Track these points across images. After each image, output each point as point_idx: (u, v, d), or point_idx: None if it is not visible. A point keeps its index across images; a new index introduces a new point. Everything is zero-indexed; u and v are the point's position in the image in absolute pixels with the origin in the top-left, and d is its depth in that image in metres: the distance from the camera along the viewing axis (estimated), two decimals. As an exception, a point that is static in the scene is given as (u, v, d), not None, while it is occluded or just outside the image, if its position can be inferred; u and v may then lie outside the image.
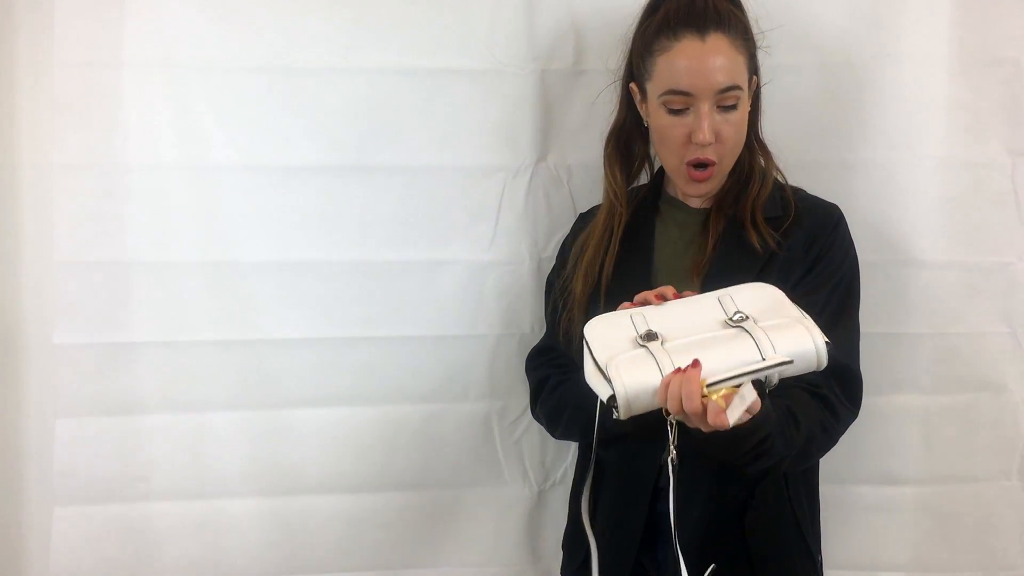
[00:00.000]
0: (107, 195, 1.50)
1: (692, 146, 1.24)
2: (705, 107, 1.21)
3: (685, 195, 1.36)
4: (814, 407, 1.20)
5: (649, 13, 1.29)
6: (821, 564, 1.35)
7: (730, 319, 1.06)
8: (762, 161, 1.34)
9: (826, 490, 1.56)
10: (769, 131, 1.52)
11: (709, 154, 1.24)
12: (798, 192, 1.34)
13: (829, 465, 1.56)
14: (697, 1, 1.23)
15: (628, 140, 1.37)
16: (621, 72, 1.37)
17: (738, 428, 0.99)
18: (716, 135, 1.23)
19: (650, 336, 1.06)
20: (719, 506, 1.24)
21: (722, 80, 1.20)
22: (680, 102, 1.23)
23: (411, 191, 1.54)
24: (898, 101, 1.52)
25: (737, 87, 1.22)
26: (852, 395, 1.27)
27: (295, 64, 1.50)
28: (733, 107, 1.22)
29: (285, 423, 1.56)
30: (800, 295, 1.19)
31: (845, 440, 1.53)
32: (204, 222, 1.52)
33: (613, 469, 1.30)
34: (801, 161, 1.53)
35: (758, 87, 1.33)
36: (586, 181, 1.53)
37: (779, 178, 1.36)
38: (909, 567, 1.60)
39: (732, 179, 1.33)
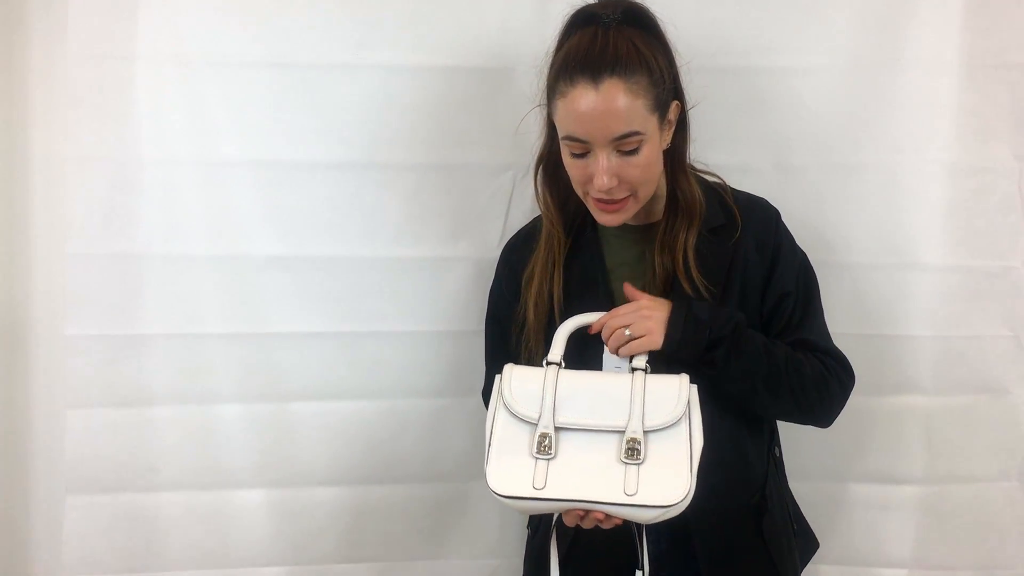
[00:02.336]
0: (119, 188, 1.51)
1: (597, 191, 1.22)
2: (602, 154, 1.19)
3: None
4: (803, 353, 1.28)
5: (557, 48, 1.26)
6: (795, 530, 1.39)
7: (626, 453, 1.12)
8: (693, 192, 1.29)
9: (828, 488, 1.59)
10: (776, 133, 1.53)
11: (615, 195, 1.23)
12: (734, 194, 1.34)
13: (831, 463, 1.59)
14: (596, 42, 1.18)
15: (556, 165, 1.33)
16: (544, 99, 1.31)
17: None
18: (618, 177, 1.20)
19: (544, 448, 1.14)
20: (731, 507, 1.27)
21: (616, 129, 1.17)
22: (579, 147, 1.21)
23: (421, 188, 1.55)
24: (905, 105, 1.52)
25: (635, 133, 1.18)
26: (843, 365, 1.32)
27: (307, 60, 1.51)
28: (635, 151, 1.19)
29: (293, 416, 1.57)
30: (771, 306, 1.30)
31: (848, 439, 1.55)
32: (215, 216, 1.53)
33: None
34: (807, 164, 1.54)
35: (683, 113, 1.27)
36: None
37: (713, 180, 1.35)
38: (909, 565, 1.62)
39: (668, 211, 1.30)
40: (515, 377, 1.20)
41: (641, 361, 1.19)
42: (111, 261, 1.52)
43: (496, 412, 1.19)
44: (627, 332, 1.19)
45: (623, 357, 1.21)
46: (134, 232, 1.52)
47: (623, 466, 1.12)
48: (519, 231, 1.46)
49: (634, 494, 1.09)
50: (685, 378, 1.17)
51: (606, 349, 1.22)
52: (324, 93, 1.52)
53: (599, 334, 1.23)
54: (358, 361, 1.58)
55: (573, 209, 1.35)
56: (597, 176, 1.19)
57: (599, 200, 1.24)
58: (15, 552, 1.58)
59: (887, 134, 1.53)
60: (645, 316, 1.20)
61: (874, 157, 1.53)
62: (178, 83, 1.50)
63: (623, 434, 1.13)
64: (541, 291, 1.32)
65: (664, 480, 1.10)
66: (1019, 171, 1.53)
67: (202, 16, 1.48)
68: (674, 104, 1.25)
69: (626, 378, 1.18)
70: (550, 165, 1.34)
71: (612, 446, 1.13)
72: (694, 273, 1.26)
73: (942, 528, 1.60)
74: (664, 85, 1.20)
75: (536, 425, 1.15)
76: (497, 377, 1.21)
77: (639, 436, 1.12)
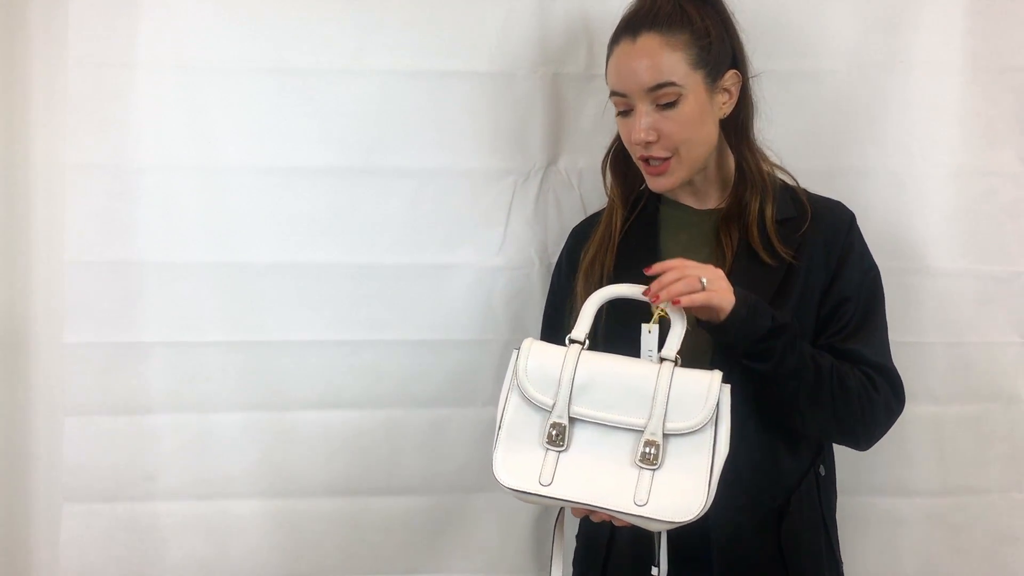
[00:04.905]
0: (118, 195, 1.51)
1: (638, 146, 1.25)
2: (641, 106, 1.22)
3: (676, 194, 1.35)
4: (848, 367, 1.22)
5: None
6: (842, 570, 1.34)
7: (641, 457, 1.06)
8: (759, 165, 1.30)
9: (838, 500, 1.56)
10: (782, 137, 1.51)
11: (654, 151, 1.24)
12: (807, 193, 1.33)
13: (839, 475, 1.55)
14: (643, 6, 1.25)
15: (623, 148, 1.36)
16: None
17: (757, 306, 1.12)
18: (657, 132, 1.22)
19: (556, 439, 1.08)
20: (755, 512, 1.23)
21: (648, 79, 1.20)
22: (621, 103, 1.25)
23: (421, 194, 1.54)
24: (911, 109, 1.52)
25: (669, 83, 1.20)
26: (895, 388, 1.26)
27: (306, 66, 1.51)
28: (672, 104, 1.21)
29: (291, 425, 1.56)
30: (829, 310, 1.24)
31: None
32: (214, 223, 1.52)
33: None
34: (814, 168, 1.51)
35: (744, 84, 1.28)
36: (597, 185, 1.52)
37: (788, 180, 1.34)
38: (920, 579, 1.58)
39: (736, 185, 1.31)
40: (533, 356, 1.13)
41: (672, 350, 1.10)
42: (110, 268, 1.52)
43: (509, 393, 1.12)
44: (704, 280, 1.09)
45: (683, 306, 1.10)
46: (133, 239, 1.52)
47: (637, 470, 1.06)
48: (588, 216, 1.46)
49: (644, 504, 1.03)
50: (717, 375, 1.08)
51: (643, 327, 1.15)
52: (324, 98, 1.52)
53: (640, 308, 1.15)
54: (357, 370, 1.56)
55: (637, 190, 1.37)
56: (634, 129, 1.22)
57: (643, 161, 1.26)
58: (14, 559, 1.57)
59: (892, 138, 1.52)
60: (719, 276, 1.11)
61: (879, 161, 1.52)
62: (178, 89, 1.50)
63: (641, 434, 1.07)
64: (593, 264, 1.31)
65: (678, 492, 1.04)
66: (1025, 175, 1.52)
67: (202, 22, 1.49)
68: (731, 72, 1.26)
69: (652, 369, 1.09)
70: (622, 149, 1.35)
71: (628, 445, 1.07)
72: (775, 242, 1.23)
73: (953, 540, 1.57)
74: (711, 47, 1.22)
75: (550, 413, 1.09)
76: (514, 352, 1.15)
77: (658, 439, 1.06)
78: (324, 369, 1.56)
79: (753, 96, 1.32)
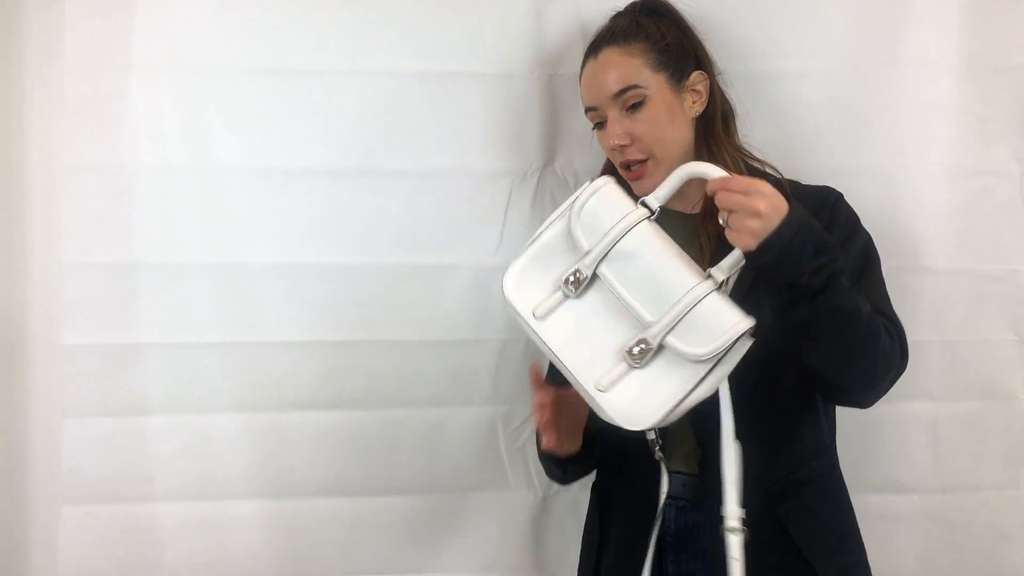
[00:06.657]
0: (114, 197, 1.51)
1: (615, 152, 1.29)
2: (612, 113, 1.28)
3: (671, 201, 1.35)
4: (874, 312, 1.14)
5: None
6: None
7: (628, 351, 1.04)
8: (726, 159, 1.29)
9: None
10: (776, 136, 1.52)
11: (631, 154, 1.28)
12: (793, 183, 1.32)
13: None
14: (603, 28, 1.34)
15: (609, 169, 1.38)
16: None
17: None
18: (630, 135, 1.26)
19: (571, 284, 1.07)
20: (758, 498, 1.17)
21: (612, 86, 1.27)
22: (596, 116, 1.32)
23: (418, 195, 1.54)
24: (906, 107, 1.52)
25: (633, 87, 1.26)
26: (902, 341, 1.19)
27: (303, 67, 1.51)
28: (639, 105, 1.26)
29: (289, 426, 1.56)
30: None
31: (853, 447, 1.53)
32: (211, 224, 1.52)
33: (620, 488, 1.32)
34: (808, 167, 1.51)
35: (711, 83, 1.31)
36: (593, 185, 1.53)
37: (772, 172, 1.34)
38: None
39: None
40: (598, 197, 1.09)
41: (723, 270, 1.03)
42: (107, 270, 1.51)
43: (556, 219, 1.11)
44: (722, 219, 1.02)
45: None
46: (130, 241, 1.51)
47: (619, 359, 1.04)
48: None
49: (604, 391, 1.03)
50: (747, 323, 1.00)
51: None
52: (320, 99, 1.52)
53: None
54: (354, 370, 1.56)
55: None
56: (609, 135, 1.27)
57: (624, 167, 1.29)
58: (12, 562, 1.57)
59: (887, 137, 1.52)
60: (754, 211, 0.99)
61: (874, 160, 1.53)
62: (174, 91, 1.50)
63: (644, 329, 1.03)
64: None
65: (640, 400, 1.02)
66: (1021, 173, 1.52)
67: (198, 24, 1.49)
68: (696, 73, 1.30)
69: (693, 279, 1.03)
70: (606, 170, 1.39)
71: (627, 333, 1.04)
72: None
73: (949, 538, 1.58)
74: (670, 50, 1.28)
75: (581, 259, 1.07)
76: (587, 182, 1.11)
77: (653, 345, 1.02)
78: (322, 370, 1.56)
79: (727, 95, 1.36)
